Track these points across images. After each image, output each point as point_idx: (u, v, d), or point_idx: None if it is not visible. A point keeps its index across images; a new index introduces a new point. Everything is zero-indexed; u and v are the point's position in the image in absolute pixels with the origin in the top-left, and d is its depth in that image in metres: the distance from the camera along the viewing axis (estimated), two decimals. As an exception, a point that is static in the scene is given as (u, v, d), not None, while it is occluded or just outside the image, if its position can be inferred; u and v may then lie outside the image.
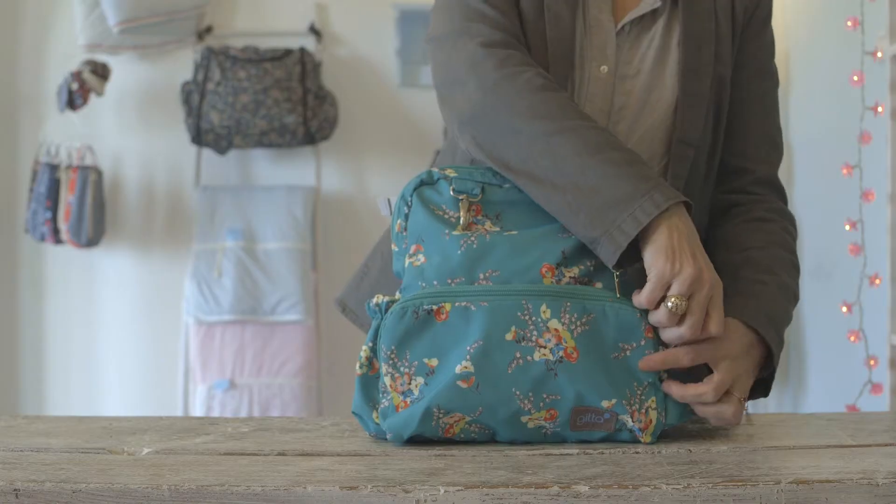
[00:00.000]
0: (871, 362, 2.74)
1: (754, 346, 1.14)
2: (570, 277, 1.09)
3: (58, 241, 3.74)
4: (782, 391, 3.87)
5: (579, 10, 1.29)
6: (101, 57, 3.79)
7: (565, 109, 1.15)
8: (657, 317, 1.06)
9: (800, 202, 3.78)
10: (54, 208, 3.71)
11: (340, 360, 3.92)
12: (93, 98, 3.74)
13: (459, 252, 1.09)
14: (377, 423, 1.08)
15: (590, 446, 1.05)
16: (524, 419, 1.05)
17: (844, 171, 2.81)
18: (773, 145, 1.38)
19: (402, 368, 1.06)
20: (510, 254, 1.09)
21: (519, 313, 1.05)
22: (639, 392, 1.06)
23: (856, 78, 2.77)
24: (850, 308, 2.79)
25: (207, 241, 3.78)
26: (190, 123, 3.76)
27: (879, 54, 2.73)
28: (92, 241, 3.75)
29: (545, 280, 1.08)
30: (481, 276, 1.08)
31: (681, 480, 0.90)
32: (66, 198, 3.70)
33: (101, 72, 3.71)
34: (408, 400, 1.06)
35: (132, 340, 3.99)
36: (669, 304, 1.05)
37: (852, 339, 2.77)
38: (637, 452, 1.03)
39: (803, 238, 3.76)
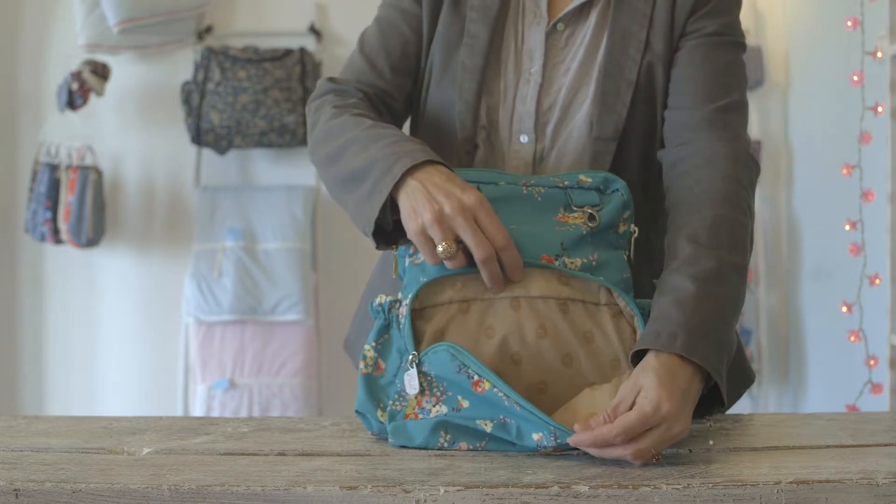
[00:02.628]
0: (871, 362, 2.74)
1: (679, 372, 1.03)
2: (574, 267, 1.11)
3: (58, 241, 3.73)
4: (782, 391, 3.87)
5: (510, 18, 1.30)
6: (101, 57, 3.79)
7: (345, 129, 1.22)
8: (449, 265, 1.09)
9: (800, 202, 3.78)
10: (54, 208, 3.71)
11: (340, 360, 3.91)
12: (93, 98, 3.74)
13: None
14: (382, 423, 1.09)
15: (590, 446, 1.05)
16: (535, 437, 1.06)
17: (844, 171, 2.81)
18: (722, 89, 1.28)
19: (435, 391, 1.07)
20: None
21: (545, 433, 1.03)
22: None
23: (856, 78, 2.77)
24: (850, 308, 2.79)
25: (207, 241, 3.78)
26: (190, 123, 3.76)
27: (879, 54, 2.73)
28: (92, 241, 3.75)
29: (547, 271, 1.11)
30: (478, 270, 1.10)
31: (681, 480, 0.90)
32: (66, 198, 3.70)
33: (101, 72, 3.71)
34: (421, 415, 1.07)
35: (132, 340, 3.99)
36: (439, 249, 1.08)
37: (852, 339, 2.77)
38: (637, 452, 1.03)
39: (803, 238, 3.77)
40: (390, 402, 1.08)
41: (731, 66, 1.30)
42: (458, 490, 0.88)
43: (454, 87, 1.30)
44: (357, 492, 0.88)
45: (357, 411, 1.11)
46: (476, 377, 1.05)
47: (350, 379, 3.82)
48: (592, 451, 0.99)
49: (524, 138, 1.29)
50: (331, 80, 1.34)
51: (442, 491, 0.88)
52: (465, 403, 1.06)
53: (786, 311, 3.87)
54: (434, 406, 1.07)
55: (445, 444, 1.06)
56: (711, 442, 1.07)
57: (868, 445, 1.04)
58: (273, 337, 3.75)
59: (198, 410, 3.71)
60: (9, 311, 4.03)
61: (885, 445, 1.04)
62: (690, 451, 1.03)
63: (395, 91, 1.33)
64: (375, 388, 1.10)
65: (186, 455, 1.02)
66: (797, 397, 3.78)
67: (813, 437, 1.09)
